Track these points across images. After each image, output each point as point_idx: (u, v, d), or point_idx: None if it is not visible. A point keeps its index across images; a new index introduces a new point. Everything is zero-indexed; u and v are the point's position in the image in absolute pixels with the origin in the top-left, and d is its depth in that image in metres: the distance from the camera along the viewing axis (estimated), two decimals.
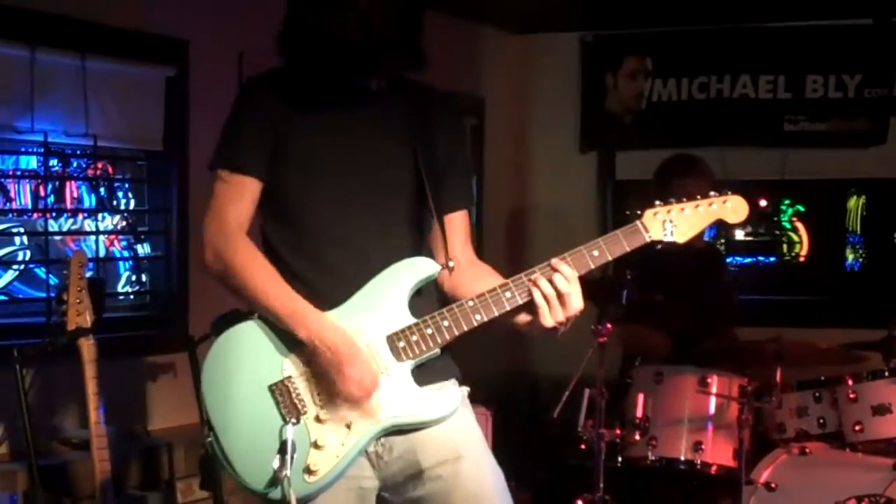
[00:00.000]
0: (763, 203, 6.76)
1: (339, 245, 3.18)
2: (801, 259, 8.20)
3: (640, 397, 5.40)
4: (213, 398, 3.17)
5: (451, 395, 3.22)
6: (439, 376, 3.25)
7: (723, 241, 8.08)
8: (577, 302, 3.11)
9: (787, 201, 8.19)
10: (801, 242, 8.20)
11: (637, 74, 8.12)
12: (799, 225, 8.20)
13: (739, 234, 8.18)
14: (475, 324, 3.14)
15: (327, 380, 3.10)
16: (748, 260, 8.22)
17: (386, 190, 3.24)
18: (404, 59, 3.19)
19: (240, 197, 3.20)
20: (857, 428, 5.35)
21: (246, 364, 3.17)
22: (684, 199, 3.23)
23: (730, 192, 3.27)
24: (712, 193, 3.26)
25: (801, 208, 8.20)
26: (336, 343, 3.06)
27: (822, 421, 5.50)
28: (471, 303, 3.14)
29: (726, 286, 6.40)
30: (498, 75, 8.22)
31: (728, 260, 7.89)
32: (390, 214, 3.25)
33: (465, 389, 3.30)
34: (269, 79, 3.30)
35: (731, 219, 3.28)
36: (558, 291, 3.09)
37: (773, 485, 5.13)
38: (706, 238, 6.87)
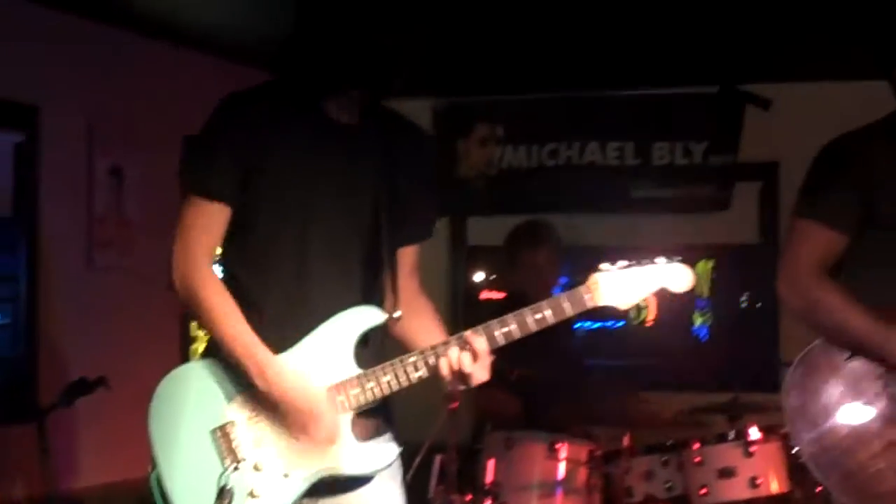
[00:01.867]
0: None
1: (296, 277, 3.20)
2: (649, 323, 8.29)
3: (491, 463, 5.40)
4: (158, 435, 3.16)
5: (387, 450, 3.25)
6: (377, 430, 3.27)
7: None
8: (481, 376, 3.18)
9: None
10: (648, 307, 8.26)
11: (488, 141, 8.16)
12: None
13: None
14: (414, 380, 3.16)
15: (270, 427, 3.12)
16: (597, 325, 8.29)
17: (346, 225, 3.26)
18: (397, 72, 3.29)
19: (210, 225, 3.21)
20: (702, 491, 5.41)
21: (191, 405, 3.17)
22: (631, 265, 3.25)
23: (677, 259, 3.29)
24: (662, 259, 3.28)
25: None
26: (296, 401, 3.09)
27: (669, 485, 5.54)
28: (412, 358, 3.17)
29: (574, 352, 6.45)
30: None
31: (577, 325, 7.94)
32: (347, 254, 3.27)
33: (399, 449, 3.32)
34: (248, 99, 3.29)
35: (675, 287, 3.29)
36: (461, 369, 3.13)
37: None
38: None
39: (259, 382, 3.10)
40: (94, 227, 6.10)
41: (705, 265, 8.21)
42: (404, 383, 3.16)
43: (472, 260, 8.32)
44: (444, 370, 3.14)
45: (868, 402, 3.65)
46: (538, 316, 3.20)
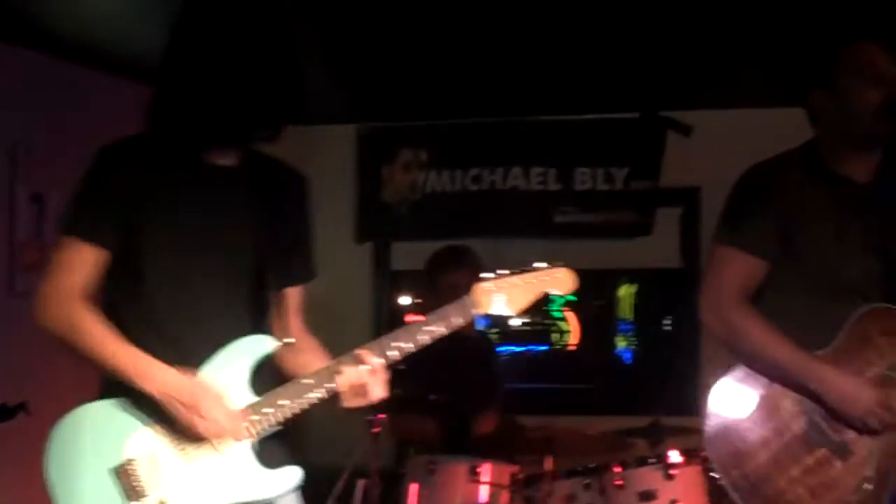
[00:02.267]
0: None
1: (184, 322, 3.21)
2: (572, 347, 8.32)
3: (414, 487, 5.39)
4: (57, 480, 3.14)
5: (291, 474, 3.25)
6: (278, 455, 3.28)
7: (496, 329, 8.17)
8: (378, 392, 3.21)
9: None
10: (570, 331, 8.32)
11: (411, 166, 8.18)
12: (569, 314, 8.33)
13: (517, 321, 8.29)
14: (312, 402, 3.20)
15: (172, 461, 3.12)
16: (520, 348, 8.32)
17: (230, 269, 3.28)
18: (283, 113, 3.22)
19: (79, 265, 3.21)
20: None
21: (89, 447, 3.15)
22: (514, 272, 3.28)
23: (559, 264, 3.33)
24: (543, 265, 3.31)
25: (572, 297, 8.30)
26: (183, 390, 3.09)
27: None
28: (308, 381, 3.20)
29: (497, 375, 6.47)
30: None
31: (501, 348, 7.97)
32: (233, 293, 3.28)
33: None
34: (125, 148, 3.27)
35: (559, 290, 3.33)
36: (359, 383, 3.18)
37: None
38: (479, 327, 6.93)
39: (149, 387, 3.09)
40: (16, 253, 6.08)
41: (628, 289, 8.27)
42: (302, 406, 3.19)
43: (396, 284, 8.32)
44: (343, 387, 3.18)
45: (787, 429, 3.71)
46: (429, 329, 3.23)
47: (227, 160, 3.32)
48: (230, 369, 3.21)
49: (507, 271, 3.30)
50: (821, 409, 3.69)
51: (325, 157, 8.36)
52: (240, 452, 3.18)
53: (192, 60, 3.14)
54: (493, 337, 7.92)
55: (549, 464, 5.46)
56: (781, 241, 3.77)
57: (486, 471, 5.39)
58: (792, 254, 3.77)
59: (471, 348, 6.21)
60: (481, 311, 3.27)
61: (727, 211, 3.90)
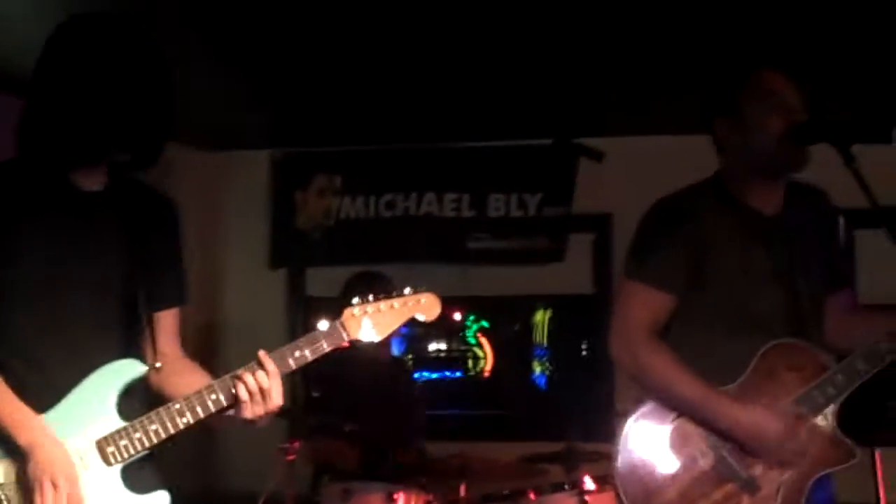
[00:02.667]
0: (457, 316, 6.88)
1: (51, 346, 3.19)
2: (486, 374, 8.33)
3: None
4: None
5: (158, 499, 3.23)
6: (148, 481, 3.25)
7: (411, 356, 8.17)
8: (277, 397, 3.22)
9: (472, 317, 8.34)
10: (485, 358, 8.34)
11: (326, 192, 8.17)
12: (483, 340, 8.34)
13: (432, 347, 8.30)
14: (182, 426, 3.19)
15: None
16: (435, 375, 8.31)
17: (98, 292, 3.27)
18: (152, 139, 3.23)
19: None
20: None
21: None
22: (381, 298, 3.31)
23: (424, 290, 3.36)
24: (407, 290, 3.34)
25: (486, 324, 8.36)
26: (51, 460, 3.08)
27: None
28: (177, 405, 3.19)
29: (412, 400, 6.47)
30: (187, 193, 8.10)
31: (416, 375, 7.96)
32: (102, 316, 3.28)
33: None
34: None
35: (425, 316, 3.36)
36: (260, 387, 3.19)
37: None
38: (395, 353, 6.94)
39: (22, 440, 3.08)
40: None
41: (543, 315, 8.30)
42: (172, 430, 3.19)
43: (311, 310, 8.29)
44: (243, 395, 3.19)
45: (695, 464, 3.72)
46: (297, 354, 3.26)
47: (94, 185, 3.32)
48: (97, 394, 3.20)
49: (371, 297, 3.32)
50: (728, 445, 3.69)
51: (240, 183, 8.35)
52: (105, 477, 3.16)
53: (57, 77, 3.17)
54: (408, 363, 7.93)
55: (463, 491, 5.46)
56: (689, 273, 3.77)
57: (400, 498, 5.40)
58: (700, 286, 3.77)
59: (386, 374, 6.21)
60: (349, 336, 3.30)
61: (634, 244, 3.90)
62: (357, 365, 5.82)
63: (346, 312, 3.30)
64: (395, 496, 5.39)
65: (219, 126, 7.57)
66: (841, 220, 4.01)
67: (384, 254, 7.78)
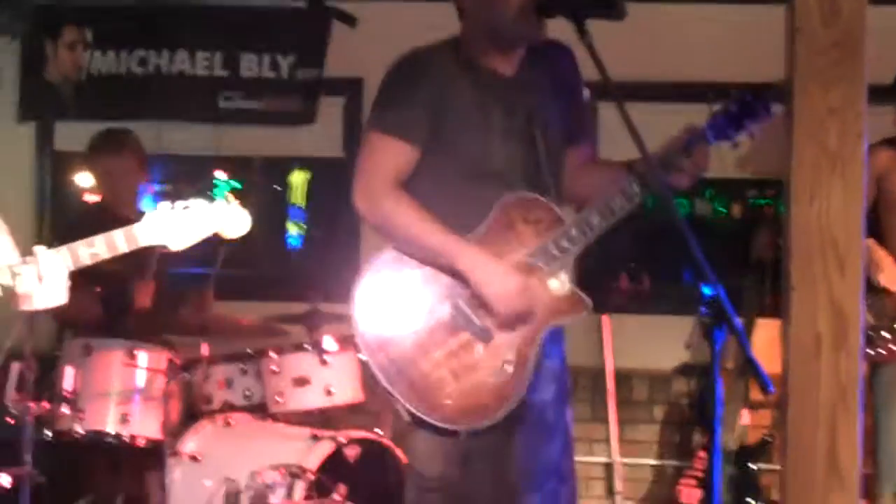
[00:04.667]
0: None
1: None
2: None
3: (68, 370, 5.38)
4: None
5: None
6: None
7: None
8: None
9: (223, 177, 8.27)
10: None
11: (76, 45, 7.99)
12: (237, 201, 8.29)
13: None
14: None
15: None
16: None
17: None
18: None
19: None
20: (278, 399, 5.58)
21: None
22: (190, 206, 3.28)
23: (235, 204, 3.35)
24: (220, 201, 3.31)
25: (238, 184, 8.32)
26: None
27: (248, 393, 5.70)
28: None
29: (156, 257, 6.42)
30: None
31: None
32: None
33: None
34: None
35: (231, 232, 3.35)
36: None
37: (197, 456, 5.29)
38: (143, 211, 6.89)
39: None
40: None
41: (301, 175, 8.34)
42: None
43: (59, 165, 8.15)
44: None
45: (432, 312, 3.82)
46: (91, 250, 3.33)
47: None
48: None
49: (185, 203, 3.30)
50: (465, 294, 3.80)
51: None
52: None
53: None
54: None
55: (205, 349, 5.53)
56: (431, 127, 3.86)
57: (142, 355, 5.44)
58: (441, 141, 3.87)
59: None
60: (145, 241, 3.29)
61: (378, 98, 3.96)
62: (106, 224, 5.77)
63: (149, 216, 3.31)
64: (136, 353, 5.43)
65: None
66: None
67: (134, 110, 7.67)
